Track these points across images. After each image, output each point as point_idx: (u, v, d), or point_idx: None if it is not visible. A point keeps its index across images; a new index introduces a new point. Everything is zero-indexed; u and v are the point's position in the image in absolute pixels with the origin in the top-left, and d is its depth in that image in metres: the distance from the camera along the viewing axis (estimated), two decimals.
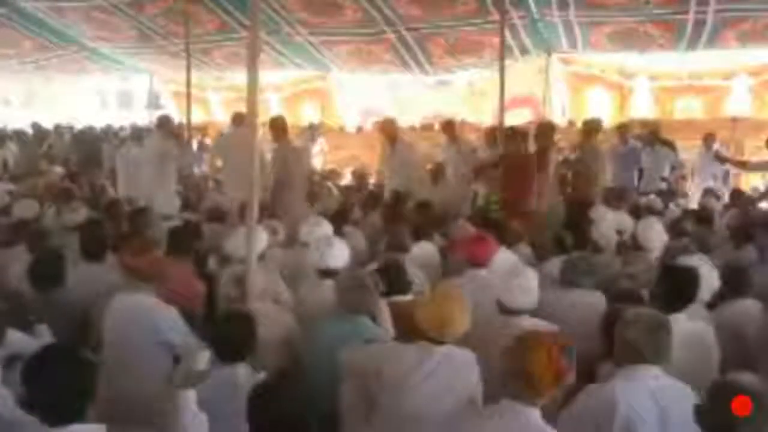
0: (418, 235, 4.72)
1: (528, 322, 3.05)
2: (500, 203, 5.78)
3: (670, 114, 9.85)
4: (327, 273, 3.65)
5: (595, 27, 8.33)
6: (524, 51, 9.18)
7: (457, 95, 11.03)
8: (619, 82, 9.85)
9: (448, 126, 7.92)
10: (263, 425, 1.82)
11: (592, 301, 3.50)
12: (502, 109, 6.61)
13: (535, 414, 2.08)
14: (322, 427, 2.67)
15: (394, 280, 3.36)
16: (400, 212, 5.77)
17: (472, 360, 2.61)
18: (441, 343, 2.57)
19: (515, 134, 6.18)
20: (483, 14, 8.01)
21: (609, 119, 9.69)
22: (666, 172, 8.22)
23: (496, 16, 7.44)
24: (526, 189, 5.70)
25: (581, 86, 10.11)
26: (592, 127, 6.94)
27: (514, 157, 5.88)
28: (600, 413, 2.31)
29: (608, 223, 4.90)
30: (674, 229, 5.05)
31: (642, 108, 9.87)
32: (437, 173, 7.28)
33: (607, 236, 4.65)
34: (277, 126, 6.36)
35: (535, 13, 7.99)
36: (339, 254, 3.71)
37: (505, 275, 3.25)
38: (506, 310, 3.14)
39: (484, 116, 9.95)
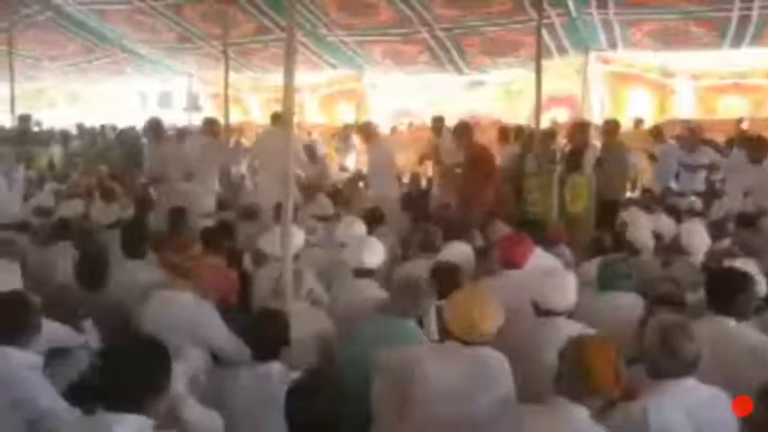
0: (454, 235, 4.65)
1: (564, 324, 3.00)
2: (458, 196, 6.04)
3: (713, 114, 9.60)
4: (362, 272, 3.66)
5: (635, 25, 8.18)
6: (562, 50, 9.07)
7: (492, 95, 10.96)
8: (660, 82, 9.67)
9: (436, 122, 7.96)
10: (301, 423, 1.83)
11: (630, 304, 3.43)
12: (538, 109, 6.54)
13: (586, 413, 2.08)
14: (356, 427, 2.69)
15: (446, 282, 3.32)
16: (428, 212, 5.75)
17: (504, 362, 2.57)
18: (471, 344, 2.54)
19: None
20: (519, 13, 7.94)
21: (650, 119, 9.52)
22: (706, 173, 8.01)
23: (532, 15, 7.36)
24: (481, 184, 5.88)
25: (621, 86, 9.95)
26: (611, 127, 6.82)
27: (474, 153, 6.04)
28: (630, 425, 2.26)
29: (643, 225, 4.81)
30: (716, 231, 4.92)
31: (684, 108, 9.65)
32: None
33: (643, 238, 4.56)
34: (368, 129, 6.65)
35: (573, 12, 7.88)
36: (374, 254, 3.72)
37: (541, 276, 3.20)
38: (542, 312, 3.10)
39: (520, 116, 9.85)
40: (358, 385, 2.81)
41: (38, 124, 11.84)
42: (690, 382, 2.32)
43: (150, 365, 2.01)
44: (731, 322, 2.83)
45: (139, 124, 12.64)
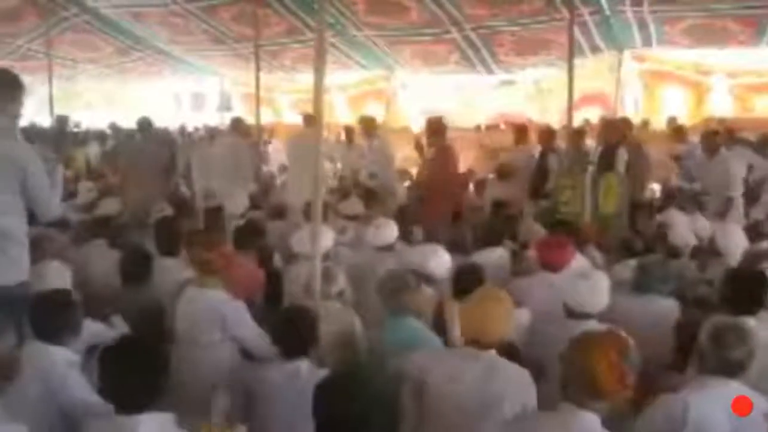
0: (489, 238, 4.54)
1: (596, 327, 2.95)
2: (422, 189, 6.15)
3: (750, 112, 9.37)
4: (427, 279, 3.55)
5: (670, 22, 8.03)
6: (595, 48, 8.95)
7: (523, 94, 10.86)
8: (695, 80, 9.47)
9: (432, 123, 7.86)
10: (328, 421, 1.84)
11: (666, 307, 3.37)
12: (570, 108, 6.45)
13: (594, 419, 1.98)
14: (383, 428, 2.69)
15: (469, 284, 3.30)
16: (460, 213, 5.72)
17: (523, 375, 2.48)
18: (486, 347, 2.49)
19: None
20: (551, 12, 7.85)
21: (685, 118, 9.33)
22: (743, 173, 7.80)
23: (564, 14, 7.28)
24: (447, 181, 5.98)
25: (655, 84, 9.78)
26: (627, 126, 6.74)
27: (439, 149, 6.10)
28: (669, 424, 2.23)
29: (685, 226, 4.72)
30: (754, 232, 4.80)
31: (720, 106, 9.44)
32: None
33: (685, 241, 4.47)
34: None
35: (606, 10, 7.77)
36: (441, 264, 3.65)
37: (572, 277, 3.16)
38: (573, 314, 3.06)
39: (551, 115, 9.74)
40: (384, 386, 2.81)
41: (77, 125, 12.13)
42: (735, 384, 2.28)
43: (151, 364, 2.07)
44: (751, 321, 2.77)
45: (174, 124, 12.91)
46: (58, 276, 3.32)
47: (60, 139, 9.66)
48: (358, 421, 1.79)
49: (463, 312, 2.56)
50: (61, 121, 9.93)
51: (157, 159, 7.09)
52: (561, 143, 7.03)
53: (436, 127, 6.22)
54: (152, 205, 5.69)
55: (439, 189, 5.92)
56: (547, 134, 7.22)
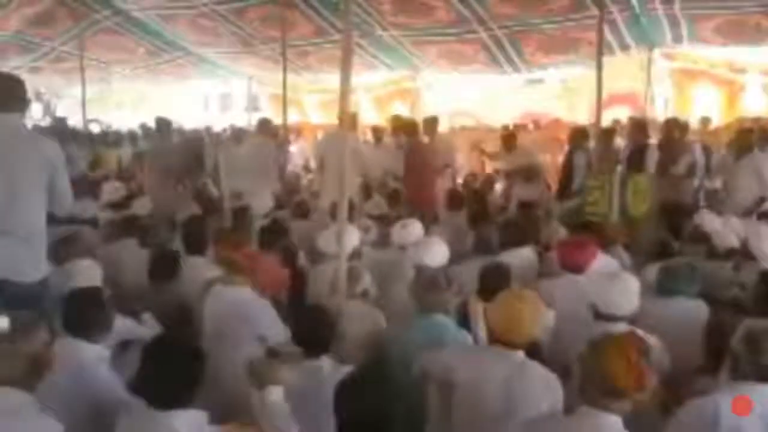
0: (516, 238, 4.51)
1: (624, 330, 2.91)
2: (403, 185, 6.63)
3: None
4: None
5: (702, 20, 7.86)
6: (624, 47, 8.81)
7: (550, 93, 10.76)
8: (728, 78, 9.28)
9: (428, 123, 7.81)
10: (349, 418, 1.85)
11: (694, 309, 3.31)
12: (599, 107, 6.37)
13: (614, 420, 1.96)
14: (409, 427, 2.69)
15: (495, 284, 3.29)
16: (486, 212, 5.70)
17: (550, 379, 2.47)
18: (514, 347, 2.48)
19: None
20: (580, 10, 7.76)
21: (718, 117, 9.16)
22: None
23: (593, 12, 7.18)
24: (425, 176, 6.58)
25: (687, 82, 9.60)
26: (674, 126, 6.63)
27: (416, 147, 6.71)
28: (701, 427, 2.18)
29: (723, 228, 4.61)
30: None
31: (754, 105, 9.23)
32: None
33: (727, 242, 4.37)
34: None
35: (636, 7, 7.65)
36: (436, 254, 3.74)
37: (600, 279, 3.12)
38: (601, 316, 3.01)
39: (579, 114, 9.64)
40: (408, 384, 2.81)
41: (109, 126, 12.37)
42: None
43: (189, 361, 2.10)
44: None
45: (202, 125, 13.09)
46: (89, 273, 3.38)
47: (91, 139, 9.89)
48: (379, 419, 1.79)
49: (492, 311, 2.54)
50: (93, 122, 10.13)
51: (185, 159, 7.19)
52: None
53: (411, 129, 6.96)
54: (180, 205, 5.77)
55: (415, 180, 6.57)
56: (576, 132, 7.15)
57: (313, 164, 9.88)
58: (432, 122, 7.63)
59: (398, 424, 1.82)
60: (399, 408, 1.84)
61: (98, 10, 9.38)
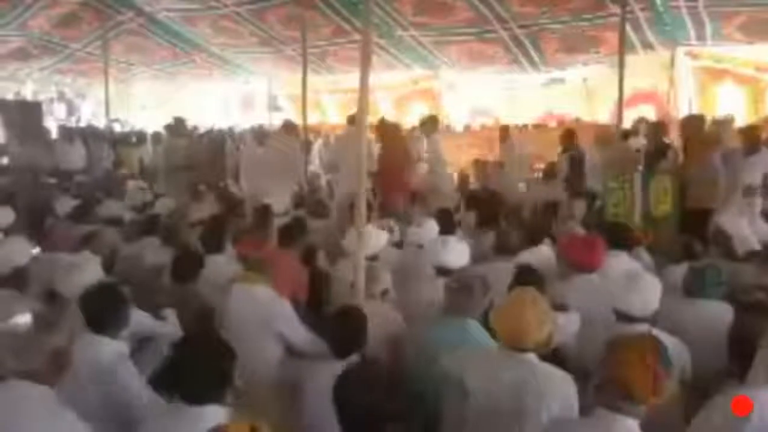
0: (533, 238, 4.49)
1: (643, 331, 2.87)
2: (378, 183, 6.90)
3: None
4: (443, 271, 3.64)
5: (726, 18, 7.74)
6: (647, 45, 8.71)
7: (571, 93, 10.67)
8: (753, 77, 9.11)
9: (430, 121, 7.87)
10: (348, 410, 1.85)
11: (719, 312, 3.25)
12: (620, 106, 6.31)
13: (631, 424, 1.93)
14: (427, 427, 2.68)
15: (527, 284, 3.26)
16: (497, 213, 5.65)
17: (564, 380, 2.43)
18: (522, 350, 2.43)
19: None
20: (601, 8, 7.68)
21: (742, 116, 8.99)
22: None
23: (615, 10, 7.11)
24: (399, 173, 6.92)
25: (710, 81, 9.45)
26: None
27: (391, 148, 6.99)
28: (729, 421, 2.14)
29: (745, 229, 4.54)
30: None
31: None
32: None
33: (748, 244, 4.30)
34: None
35: (659, 5, 7.55)
36: (458, 254, 3.73)
37: (622, 281, 3.08)
38: (622, 317, 2.98)
39: (601, 113, 9.54)
40: (426, 385, 2.81)
41: (132, 126, 12.52)
42: None
43: (221, 359, 2.11)
44: None
45: (222, 125, 13.20)
46: (90, 264, 3.35)
47: (113, 139, 10.02)
48: (378, 415, 1.78)
49: (498, 314, 2.51)
50: (115, 122, 10.28)
51: (207, 158, 7.26)
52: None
53: (383, 130, 7.28)
54: (202, 204, 5.83)
55: (387, 174, 6.92)
56: (600, 132, 7.13)
57: (317, 163, 9.97)
58: (429, 122, 7.78)
59: (398, 418, 1.81)
60: (398, 402, 1.83)
61: (122, 12, 9.51)
